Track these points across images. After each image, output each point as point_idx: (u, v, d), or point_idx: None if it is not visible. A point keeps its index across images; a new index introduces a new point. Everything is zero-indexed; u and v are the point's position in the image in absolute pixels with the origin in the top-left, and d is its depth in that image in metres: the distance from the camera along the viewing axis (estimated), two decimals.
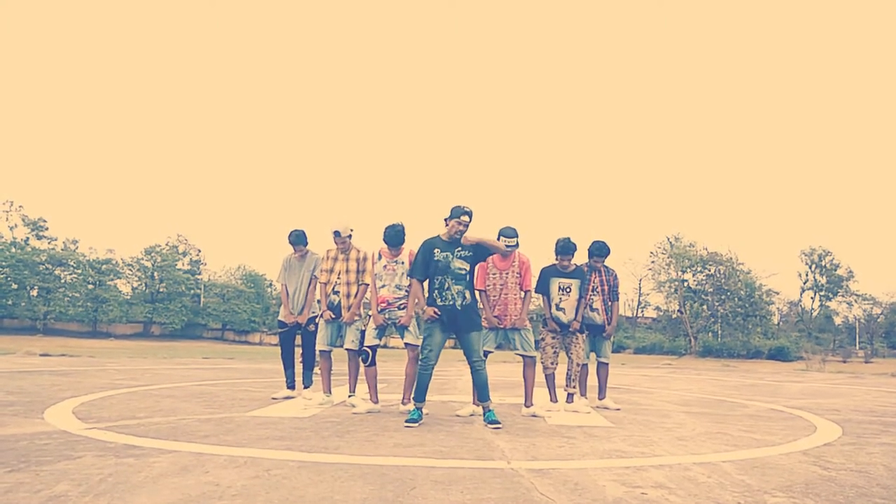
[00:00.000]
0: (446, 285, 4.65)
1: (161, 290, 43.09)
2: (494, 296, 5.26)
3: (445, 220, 4.75)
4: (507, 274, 5.24)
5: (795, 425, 5.08)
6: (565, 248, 5.52)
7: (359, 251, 5.49)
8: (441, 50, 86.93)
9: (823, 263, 52.34)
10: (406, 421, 4.52)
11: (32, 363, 10.76)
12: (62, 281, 40.59)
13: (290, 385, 6.30)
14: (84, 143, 72.46)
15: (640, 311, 52.21)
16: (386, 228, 5.17)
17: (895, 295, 50.13)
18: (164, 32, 76.73)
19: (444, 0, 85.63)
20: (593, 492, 2.61)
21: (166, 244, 44.55)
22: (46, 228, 41.30)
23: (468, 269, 4.71)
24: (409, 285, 5.13)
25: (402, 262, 5.20)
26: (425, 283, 4.83)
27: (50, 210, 74.26)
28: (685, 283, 41.81)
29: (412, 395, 4.79)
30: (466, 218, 4.63)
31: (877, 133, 77.56)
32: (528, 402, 5.33)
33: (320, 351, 5.59)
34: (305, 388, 6.14)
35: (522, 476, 2.87)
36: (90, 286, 40.96)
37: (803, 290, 53.17)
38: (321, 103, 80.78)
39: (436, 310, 4.65)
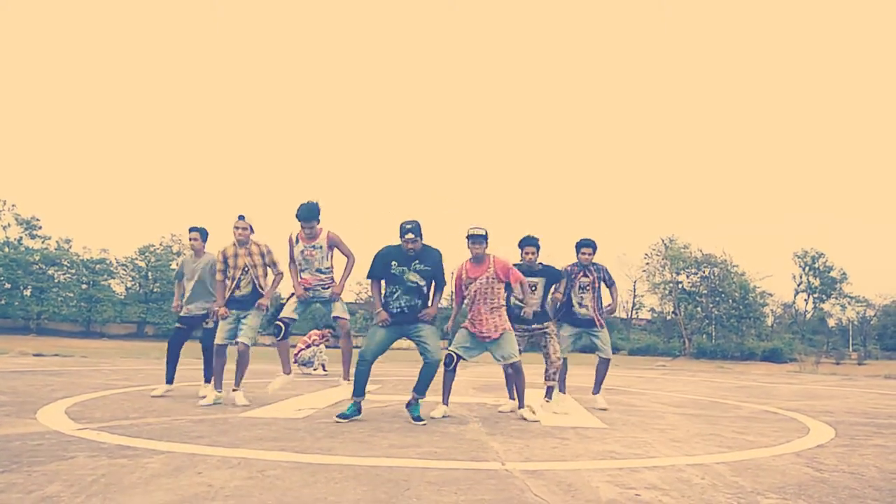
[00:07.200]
0: (396, 294, 4.73)
1: (155, 290, 42.88)
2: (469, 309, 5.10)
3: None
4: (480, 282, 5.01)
5: (789, 427, 5.10)
6: (524, 240, 5.55)
7: (259, 245, 5.62)
8: (435, 49, 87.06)
9: (817, 265, 52.59)
10: (337, 416, 4.60)
11: (25, 363, 10.70)
12: (55, 280, 40.35)
13: (169, 380, 6.17)
14: (77, 142, 72.17)
15: (634, 312, 52.29)
16: (300, 206, 5.22)
17: (888, 297, 50.53)
18: (158, 32, 76.57)
19: (437, 1, 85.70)
20: (587, 493, 2.62)
21: (160, 244, 44.34)
22: (40, 228, 41.01)
23: (424, 283, 4.74)
24: (330, 268, 5.41)
25: (320, 247, 5.36)
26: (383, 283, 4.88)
27: (43, 209, 73.82)
28: (679, 285, 41.94)
29: (352, 392, 4.78)
30: (410, 235, 4.62)
31: (870, 135, 78.05)
32: (520, 403, 5.32)
33: (217, 346, 5.60)
34: (207, 382, 6.03)
35: (516, 477, 2.88)
36: (84, 286, 40.76)
37: (797, 292, 53.43)
38: (314, 103, 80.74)
39: (387, 317, 4.71)
